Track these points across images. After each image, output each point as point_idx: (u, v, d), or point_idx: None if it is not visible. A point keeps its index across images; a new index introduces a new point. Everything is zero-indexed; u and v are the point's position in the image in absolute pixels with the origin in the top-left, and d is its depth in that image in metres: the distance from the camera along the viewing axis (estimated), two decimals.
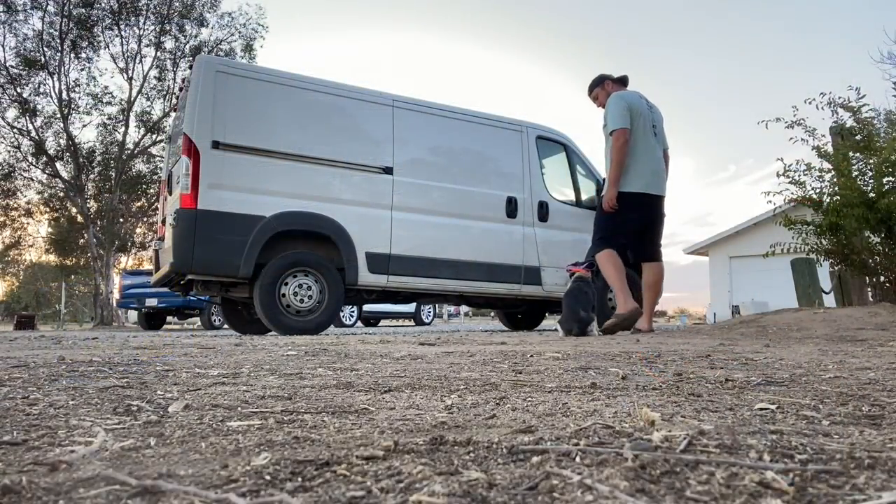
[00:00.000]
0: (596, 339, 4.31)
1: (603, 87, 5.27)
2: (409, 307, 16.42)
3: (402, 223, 6.35)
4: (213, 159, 5.63)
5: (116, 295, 17.89)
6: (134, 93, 22.63)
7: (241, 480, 0.70)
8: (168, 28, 22.46)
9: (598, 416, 1.13)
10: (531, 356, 2.56)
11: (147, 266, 22.43)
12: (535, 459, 0.78)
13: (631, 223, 4.76)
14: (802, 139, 6.22)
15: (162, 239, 6.60)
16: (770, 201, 6.37)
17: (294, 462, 0.78)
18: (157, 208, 14.81)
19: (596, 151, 10.75)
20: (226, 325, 9.67)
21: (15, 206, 24.18)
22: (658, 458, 0.75)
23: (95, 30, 21.78)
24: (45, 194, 24.18)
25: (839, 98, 6.23)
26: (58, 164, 22.48)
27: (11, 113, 21.65)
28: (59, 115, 21.78)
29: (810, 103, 6.25)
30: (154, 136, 23.34)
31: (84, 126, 26.90)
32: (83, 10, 21.38)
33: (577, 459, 0.77)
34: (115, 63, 22.46)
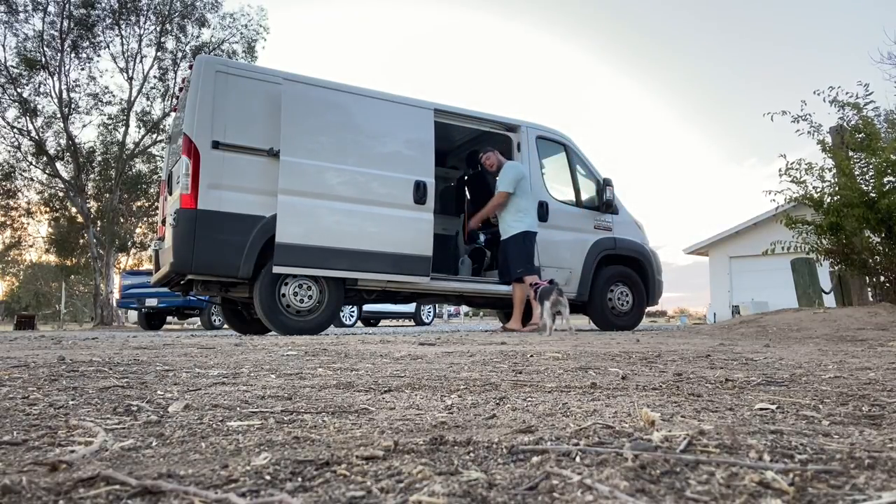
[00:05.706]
0: (596, 339, 4.31)
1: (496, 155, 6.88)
2: (409, 307, 16.38)
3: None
4: (213, 159, 5.62)
5: (116, 295, 17.88)
6: (134, 92, 22.63)
7: (241, 480, 0.70)
8: (169, 28, 22.43)
9: (598, 416, 1.13)
10: (531, 356, 2.56)
11: (147, 266, 22.42)
12: (535, 459, 0.78)
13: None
14: (808, 132, 6.29)
15: (162, 239, 6.60)
16: (773, 200, 6.40)
17: (294, 462, 0.78)
18: (157, 208, 14.79)
19: (597, 150, 10.73)
20: (226, 325, 9.66)
21: (15, 206, 24.15)
22: (658, 458, 0.75)
23: (96, 30, 21.75)
24: (45, 194, 24.15)
25: (847, 93, 6.29)
26: (58, 164, 22.45)
27: (11, 113, 21.64)
28: (59, 115, 21.75)
29: (819, 94, 6.29)
30: (154, 136, 23.31)
31: (84, 126, 26.92)
32: (84, 11, 21.34)
33: (577, 459, 0.77)
34: (116, 63, 22.45)
